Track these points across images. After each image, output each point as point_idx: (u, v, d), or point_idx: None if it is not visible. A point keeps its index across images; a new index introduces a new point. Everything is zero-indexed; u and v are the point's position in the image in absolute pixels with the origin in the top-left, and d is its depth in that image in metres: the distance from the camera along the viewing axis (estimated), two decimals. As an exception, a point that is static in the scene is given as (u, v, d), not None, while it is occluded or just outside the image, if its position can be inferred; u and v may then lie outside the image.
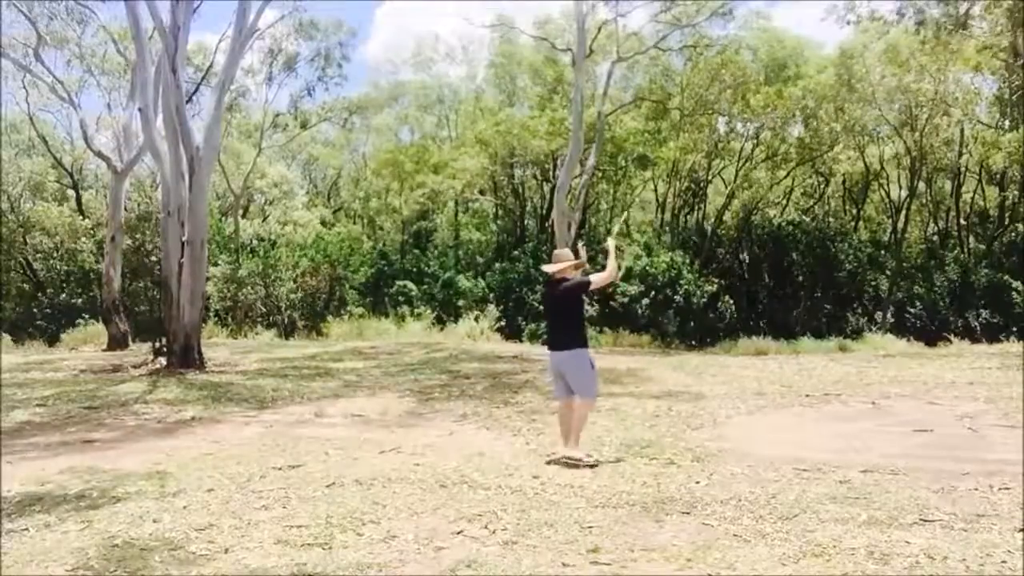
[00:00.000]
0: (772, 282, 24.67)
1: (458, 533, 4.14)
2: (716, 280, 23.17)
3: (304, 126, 31.83)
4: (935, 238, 28.10)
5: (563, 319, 5.82)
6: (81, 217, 24.19)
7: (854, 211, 29.12)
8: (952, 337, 19.35)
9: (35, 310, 21.81)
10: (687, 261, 22.58)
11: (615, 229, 8.36)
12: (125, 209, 19.07)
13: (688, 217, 28.08)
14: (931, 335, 20.47)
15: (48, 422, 8.00)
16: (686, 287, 21.63)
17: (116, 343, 16.98)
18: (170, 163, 12.79)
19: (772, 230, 24.81)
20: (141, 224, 20.54)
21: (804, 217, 25.95)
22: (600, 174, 25.56)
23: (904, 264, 24.55)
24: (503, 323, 20.96)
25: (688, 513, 4.44)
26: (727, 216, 26.18)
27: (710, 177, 26.97)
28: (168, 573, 3.68)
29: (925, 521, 4.20)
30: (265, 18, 19.76)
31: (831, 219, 26.79)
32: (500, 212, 31.45)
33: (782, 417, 7.73)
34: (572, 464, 5.58)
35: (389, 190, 32.96)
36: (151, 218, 20.07)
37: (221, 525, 4.35)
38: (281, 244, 26.30)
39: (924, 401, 8.37)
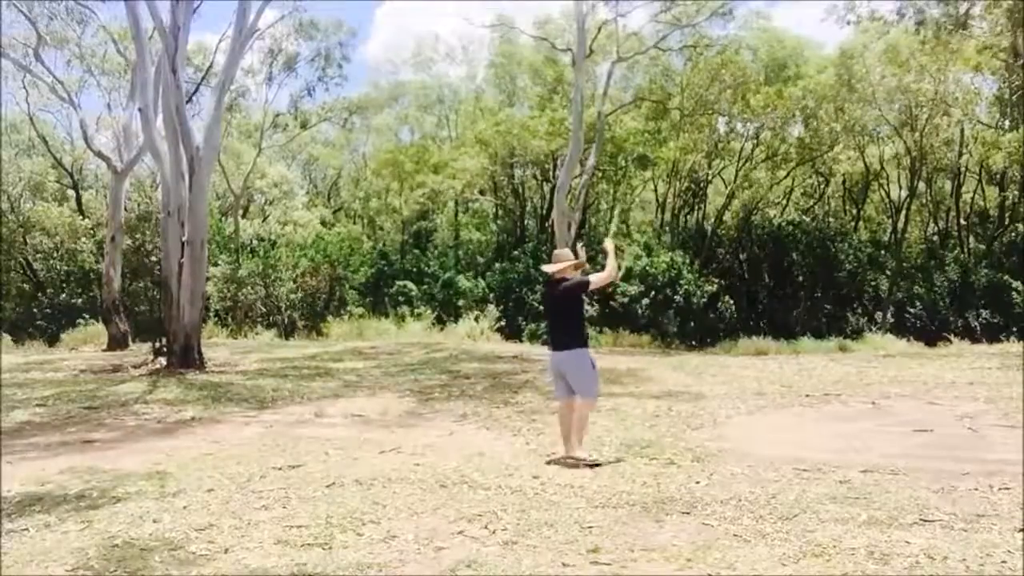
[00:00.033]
0: (772, 282, 24.67)
1: (458, 533, 4.14)
2: (716, 280, 23.17)
3: (304, 126, 31.84)
4: (935, 238, 28.10)
5: (563, 319, 5.82)
6: (81, 217, 24.19)
7: (854, 211, 29.12)
8: (952, 337, 19.35)
9: (35, 310, 21.81)
10: (687, 261, 22.58)
11: (611, 229, 8.37)
12: (125, 209, 19.08)
13: (688, 217, 28.08)
14: (931, 335, 20.47)
15: (48, 422, 8.00)
16: (686, 287, 21.63)
17: (116, 343, 16.98)
18: (170, 163, 12.80)
19: (772, 230, 24.81)
20: (141, 224, 20.55)
21: (804, 217, 25.95)
22: (600, 174, 25.56)
23: (904, 264, 24.55)
24: (503, 323, 20.96)
25: (688, 513, 4.44)
26: (727, 216, 26.18)
27: (710, 177, 26.97)
28: (168, 573, 3.68)
29: (925, 521, 4.20)
30: (265, 18, 19.77)
31: (831, 219, 26.79)
32: (500, 212, 31.45)
33: (782, 417, 7.72)
34: (575, 464, 5.58)
35: (389, 190, 32.96)
36: (151, 218, 20.08)
37: (221, 525, 4.35)
38: (281, 244, 26.30)
39: (924, 401, 8.37)
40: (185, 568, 3.73)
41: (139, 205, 21.49)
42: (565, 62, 25.89)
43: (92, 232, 22.95)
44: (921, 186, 26.09)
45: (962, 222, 27.72)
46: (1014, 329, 20.83)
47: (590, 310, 19.99)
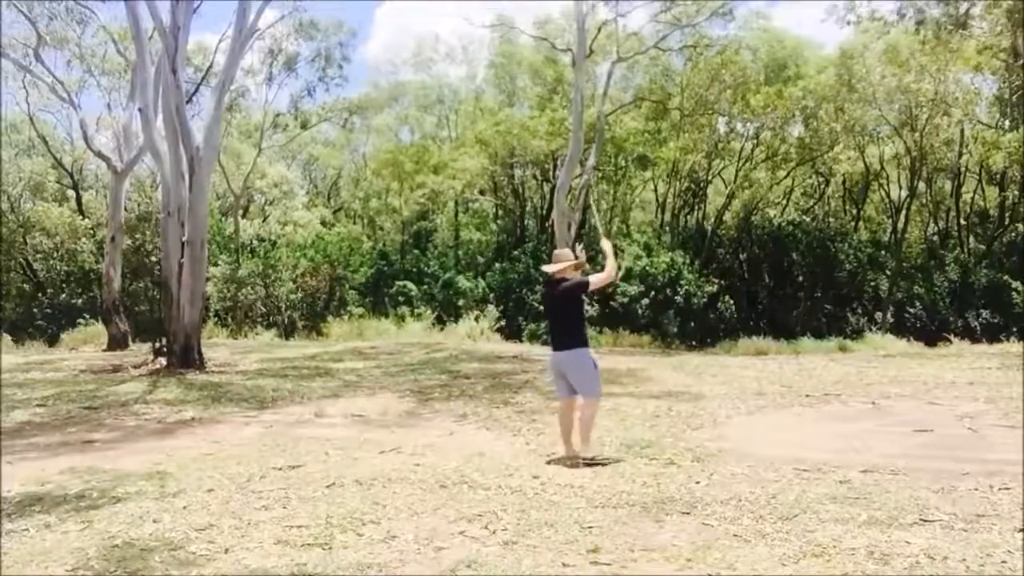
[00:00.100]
0: (772, 282, 24.67)
1: (458, 533, 4.14)
2: (716, 280, 23.17)
3: (304, 126, 31.86)
4: (935, 238, 28.11)
5: (563, 319, 5.82)
6: (81, 217, 24.19)
7: (854, 211, 29.13)
8: (952, 337, 19.36)
9: (35, 310, 21.82)
10: (687, 261, 22.58)
11: (600, 229, 8.31)
12: (125, 209, 19.08)
13: (688, 217, 28.08)
14: (931, 335, 20.48)
15: (48, 422, 8.00)
16: (686, 287, 21.64)
17: (116, 343, 16.98)
18: (170, 163, 12.80)
19: (772, 230, 24.81)
20: (141, 224, 20.56)
21: (804, 217, 25.95)
22: (600, 174, 25.56)
23: (904, 264, 24.55)
24: (503, 323, 20.96)
25: (688, 513, 4.43)
26: (727, 216, 26.18)
27: (710, 177, 26.97)
28: (168, 573, 3.68)
29: (925, 521, 4.20)
30: (265, 18, 19.77)
31: (831, 219, 26.81)
32: (500, 212, 31.46)
33: (782, 417, 7.72)
34: (575, 464, 5.59)
35: (389, 190, 32.96)
36: (151, 218, 20.09)
37: (221, 525, 4.35)
38: (281, 244, 26.31)
39: (924, 401, 8.37)
40: (185, 568, 3.73)
41: (139, 205, 21.51)
42: (565, 62, 25.90)
43: (92, 232, 22.96)
44: (921, 186, 26.09)
45: (962, 222, 27.73)
46: (1014, 329, 20.85)
47: (590, 310, 19.99)
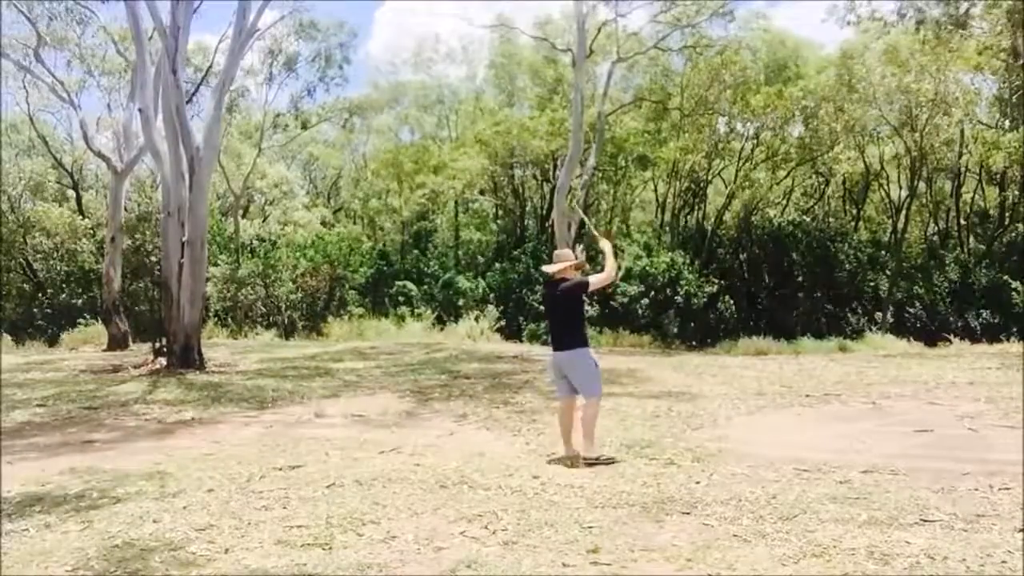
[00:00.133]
0: (772, 282, 24.65)
1: (458, 533, 4.14)
2: (716, 280, 23.15)
3: (304, 126, 31.86)
4: (935, 238, 28.08)
5: (563, 319, 5.83)
6: (81, 217, 24.18)
7: (854, 211, 29.10)
8: (952, 337, 19.33)
9: (35, 310, 21.81)
10: (687, 261, 22.58)
11: (593, 229, 8.30)
12: (125, 209, 19.09)
13: (688, 217, 28.06)
14: (931, 335, 20.46)
15: (48, 422, 8.00)
16: (686, 287, 21.63)
17: (116, 343, 16.98)
18: (170, 163, 12.80)
19: (772, 230, 24.79)
20: (141, 224, 20.55)
21: (804, 217, 25.92)
22: (600, 174, 25.56)
23: (904, 264, 24.54)
24: (503, 323, 20.96)
25: (688, 513, 4.44)
26: (727, 216, 26.16)
27: (710, 177, 26.95)
28: (168, 573, 3.68)
29: (925, 521, 4.20)
30: (265, 18, 19.69)
31: (831, 219, 26.77)
32: (500, 212, 31.45)
33: (782, 417, 7.72)
34: (575, 464, 5.59)
35: (389, 190, 32.93)
36: (151, 218, 20.08)
37: (221, 525, 4.35)
38: (281, 244, 26.29)
39: (924, 401, 8.37)
40: (185, 568, 3.73)
41: (139, 205, 21.50)
42: (565, 62, 25.90)
43: (92, 232, 22.95)
44: (921, 186, 26.07)
45: (962, 222, 27.71)
46: (1014, 329, 20.81)
47: (590, 310, 19.99)
